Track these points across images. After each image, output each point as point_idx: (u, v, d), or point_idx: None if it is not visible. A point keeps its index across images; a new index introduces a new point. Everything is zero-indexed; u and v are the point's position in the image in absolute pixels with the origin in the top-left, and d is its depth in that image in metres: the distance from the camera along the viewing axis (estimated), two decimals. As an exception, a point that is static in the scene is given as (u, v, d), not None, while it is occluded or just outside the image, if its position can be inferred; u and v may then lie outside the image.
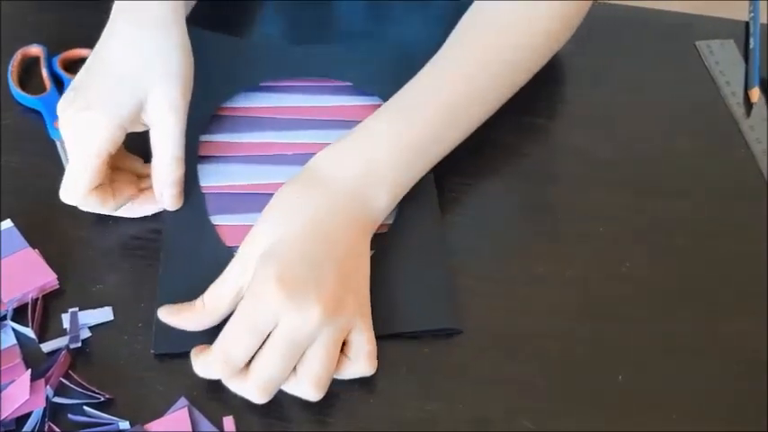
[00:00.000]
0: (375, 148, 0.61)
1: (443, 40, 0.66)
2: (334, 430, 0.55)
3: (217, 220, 0.63)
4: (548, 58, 0.68)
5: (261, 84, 0.71)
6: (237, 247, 0.58)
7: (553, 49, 0.69)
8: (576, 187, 0.68)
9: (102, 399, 0.54)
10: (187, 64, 0.62)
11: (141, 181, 0.64)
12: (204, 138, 0.68)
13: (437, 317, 0.59)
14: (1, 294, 0.58)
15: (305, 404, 0.55)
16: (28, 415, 0.53)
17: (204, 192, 0.64)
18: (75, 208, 0.62)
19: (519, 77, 0.67)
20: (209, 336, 0.56)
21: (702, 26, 0.80)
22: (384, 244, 0.62)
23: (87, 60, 0.62)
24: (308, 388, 0.54)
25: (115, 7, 0.63)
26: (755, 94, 0.74)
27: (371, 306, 0.58)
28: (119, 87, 0.59)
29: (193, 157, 0.66)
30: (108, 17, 0.63)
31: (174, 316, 0.57)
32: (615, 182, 0.68)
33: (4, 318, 0.57)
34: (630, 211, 0.67)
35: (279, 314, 0.54)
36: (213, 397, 0.55)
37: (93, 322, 0.58)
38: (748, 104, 0.74)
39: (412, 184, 0.63)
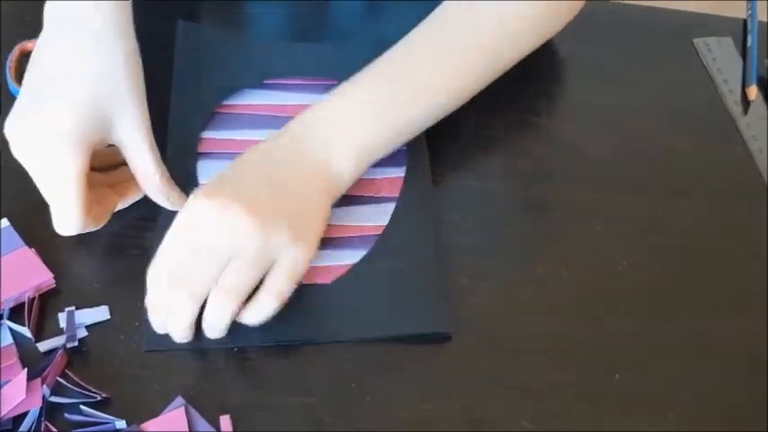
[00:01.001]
0: (336, 103, 0.63)
1: None
2: (329, 430, 0.55)
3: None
4: (524, 54, 0.68)
5: (264, 81, 0.71)
6: None
7: (525, 49, 0.68)
8: (574, 185, 0.68)
9: (99, 398, 0.54)
10: (140, 74, 0.60)
11: (111, 177, 0.63)
12: (205, 134, 0.68)
13: (426, 321, 0.59)
14: (-2, 293, 0.58)
15: (300, 402, 0.55)
16: (24, 414, 0.53)
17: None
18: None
19: (486, 70, 0.67)
20: (200, 330, 0.57)
21: (700, 24, 0.80)
22: (377, 245, 0.62)
23: (28, 74, 0.60)
24: (223, 299, 0.56)
25: (47, 10, 0.61)
26: (753, 91, 0.74)
27: (360, 306, 0.59)
28: (80, 111, 0.58)
29: (193, 153, 0.66)
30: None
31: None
32: (613, 179, 0.68)
33: (1, 317, 0.57)
34: (628, 209, 0.66)
35: (206, 223, 0.56)
36: (210, 396, 0.55)
37: (89, 321, 0.58)
38: (745, 102, 0.74)
39: (378, 151, 0.63)
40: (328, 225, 0.61)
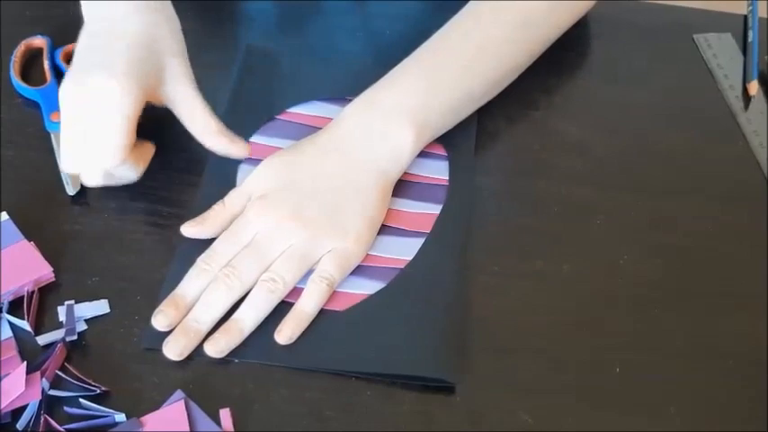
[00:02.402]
0: (388, 84, 0.65)
1: None
2: (329, 423, 0.55)
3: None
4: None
5: (321, 96, 0.71)
6: None
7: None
8: (573, 182, 0.68)
9: (98, 391, 0.54)
10: (181, 36, 0.64)
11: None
12: (254, 139, 0.67)
13: (431, 366, 0.56)
14: (-3, 287, 0.58)
15: (301, 397, 0.55)
16: (24, 408, 0.53)
17: None
18: (69, 200, 0.63)
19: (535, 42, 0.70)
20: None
21: (700, 20, 0.80)
22: (397, 279, 0.61)
23: (83, 38, 0.62)
24: (264, 290, 0.58)
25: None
26: (753, 87, 0.74)
27: (368, 339, 0.58)
28: (137, 59, 0.60)
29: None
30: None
31: (200, 225, 0.61)
32: (613, 175, 0.68)
33: (0, 310, 0.57)
34: (628, 206, 0.66)
35: (256, 222, 0.60)
36: (210, 389, 0.55)
37: (89, 315, 0.58)
38: (746, 98, 0.74)
39: (435, 125, 0.65)
40: None
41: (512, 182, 0.68)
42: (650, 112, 0.73)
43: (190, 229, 0.61)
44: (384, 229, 0.63)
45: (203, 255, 0.60)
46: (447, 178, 0.66)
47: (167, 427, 0.53)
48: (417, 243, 0.62)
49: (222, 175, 0.65)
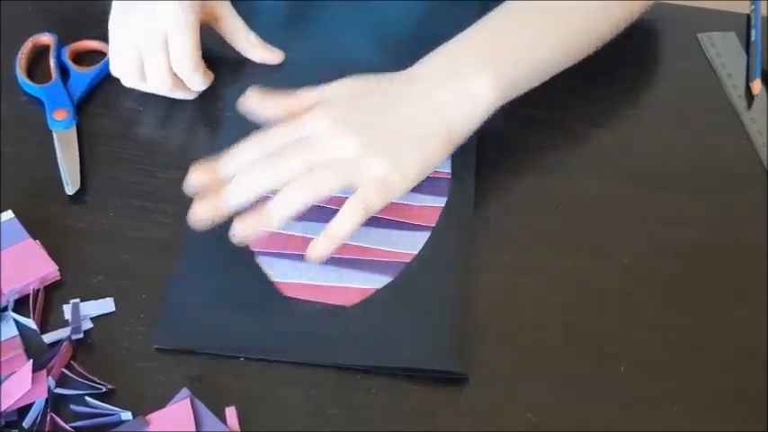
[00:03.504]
0: (472, 34, 0.65)
1: None
2: (334, 421, 0.55)
3: None
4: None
5: None
6: (260, 251, 0.61)
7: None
8: (577, 178, 0.68)
9: (104, 389, 0.54)
10: None
11: None
12: None
13: (441, 359, 0.57)
14: (2, 286, 0.57)
15: (305, 394, 0.55)
16: (30, 406, 0.53)
17: None
18: (72, 199, 0.63)
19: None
20: (213, 333, 0.57)
21: (703, 18, 0.80)
22: (403, 273, 0.61)
23: None
24: (299, 188, 0.58)
25: None
26: (757, 86, 0.74)
27: (376, 333, 0.58)
28: None
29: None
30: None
31: (264, 98, 0.63)
32: (616, 173, 0.68)
33: (6, 309, 0.57)
34: (631, 202, 0.66)
35: (316, 122, 0.60)
36: (215, 388, 0.55)
37: (94, 313, 0.58)
38: (749, 96, 0.74)
39: (519, 84, 0.65)
40: (355, 246, 0.61)
41: (515, 179, 0.68)
42: (654, 111, 0.73)
43: (254, 95, 0.63)
44: (390, 223, 0.63)
45: (256, 134, 0.61)
46: (449, 171, 0.66)
47: (173, 425, 0.53)
48: (423, 237, 0.63)
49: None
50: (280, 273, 0.60)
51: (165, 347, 0.57)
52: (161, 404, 0.54)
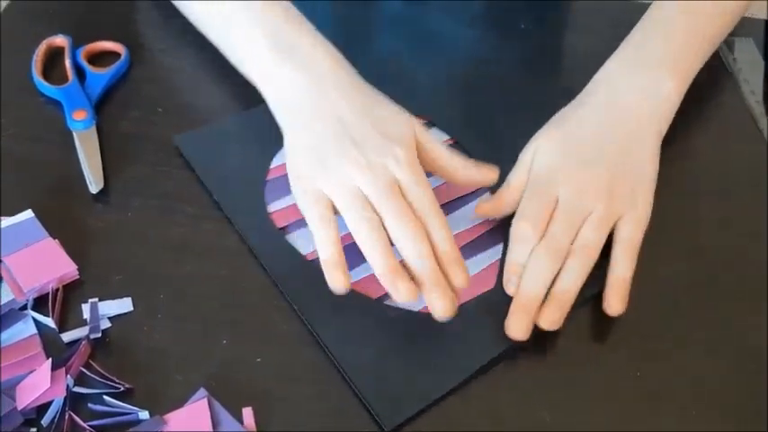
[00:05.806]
0: (647, 37, 0.67)
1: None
2: (351, 421, 0.55)
3: (271, 207, 0.64)
4: None
5: None
6: (288, 227, 0.62)
7: None
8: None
9: (122, 388, 0.54)
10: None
11: None
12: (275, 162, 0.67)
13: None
14: (21, 284, 0.58)
15: (323, 395, 0.55)
16: (48, 404, 0.54)
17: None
18: (92, 198, 0.64)
19: None
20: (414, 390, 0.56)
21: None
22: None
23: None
24: (584, 256, 0.59)
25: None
26: (774, 91, 0.74)
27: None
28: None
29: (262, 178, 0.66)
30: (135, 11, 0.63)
31: (495, 202, 0.63)
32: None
33: (25, 307, 0.58)
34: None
35: (562, 183, 0.61)
36: (232, 388, 0.55)
37: (112, 313, 0.58)
38: (767, 102, 0.74)
39: (693, 75, 0.67)
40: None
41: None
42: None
43: (485, 206, 0.63)
44: (451, 206, 0.65)
45: (521, 223, 0.61)
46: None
47: (190, 424, 0.53)
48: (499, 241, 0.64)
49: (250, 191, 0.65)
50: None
51: (398, 423, 0.54)
52: (178, 404, 0.54)
